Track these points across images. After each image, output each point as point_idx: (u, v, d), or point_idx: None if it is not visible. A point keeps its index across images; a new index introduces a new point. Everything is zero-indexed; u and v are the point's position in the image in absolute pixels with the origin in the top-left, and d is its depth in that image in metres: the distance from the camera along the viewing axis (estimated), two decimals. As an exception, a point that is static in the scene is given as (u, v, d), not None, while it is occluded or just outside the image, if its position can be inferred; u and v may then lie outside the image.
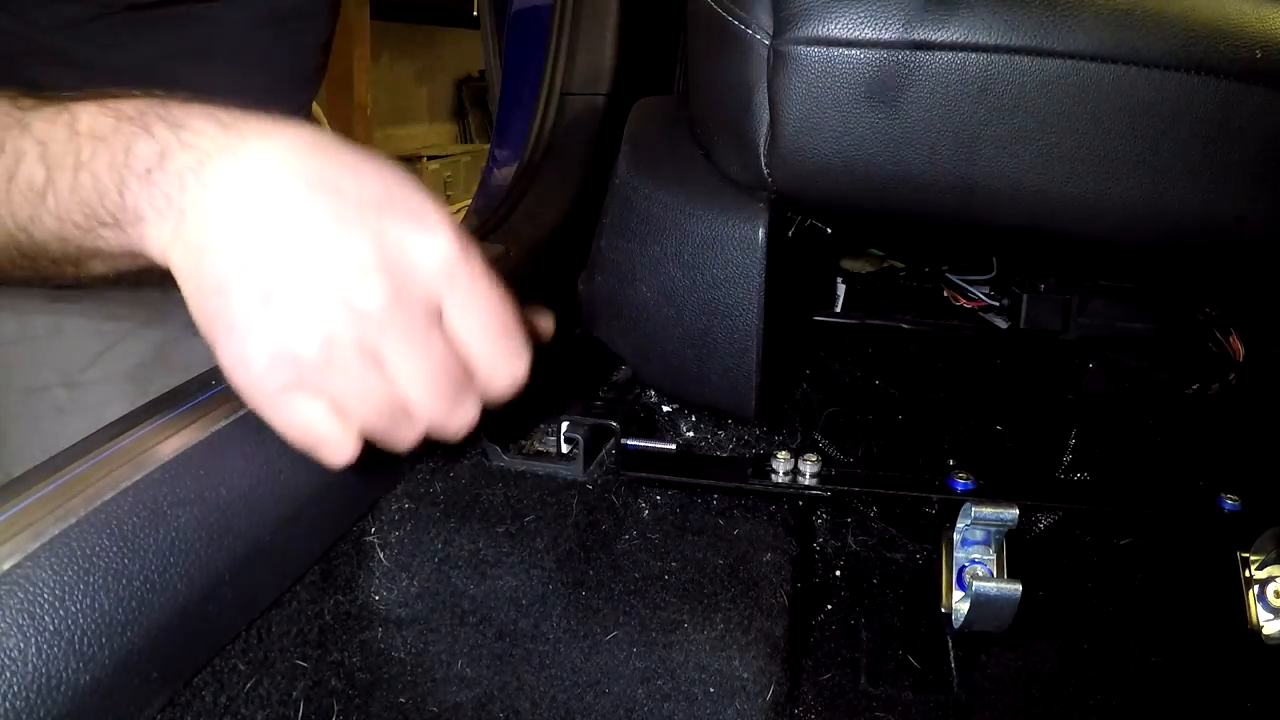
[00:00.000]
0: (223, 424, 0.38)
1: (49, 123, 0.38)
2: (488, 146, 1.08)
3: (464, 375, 0.39)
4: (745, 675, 0.45)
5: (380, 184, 0.38)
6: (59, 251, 0.39)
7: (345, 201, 0.37)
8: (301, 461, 0.39)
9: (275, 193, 0.36)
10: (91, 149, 0.37)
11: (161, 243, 0.37)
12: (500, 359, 0.40)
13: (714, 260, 0.50)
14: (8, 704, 0.27)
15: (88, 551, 0.31)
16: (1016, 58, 0.41)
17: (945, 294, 0.74)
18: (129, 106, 0.38)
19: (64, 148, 0.37)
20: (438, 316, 0.38)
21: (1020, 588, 0.45)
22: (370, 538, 0.48)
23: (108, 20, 0.64)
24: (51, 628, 0.29)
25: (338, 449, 0.38)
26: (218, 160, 0.36)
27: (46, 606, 0.29)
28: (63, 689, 0.29)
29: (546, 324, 0.49)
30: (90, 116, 0.37)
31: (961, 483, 0.50)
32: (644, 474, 0.53)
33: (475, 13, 1.31)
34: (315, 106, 0.91)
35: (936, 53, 0.41)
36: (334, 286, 0.36)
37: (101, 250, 0.38)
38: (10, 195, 0.37)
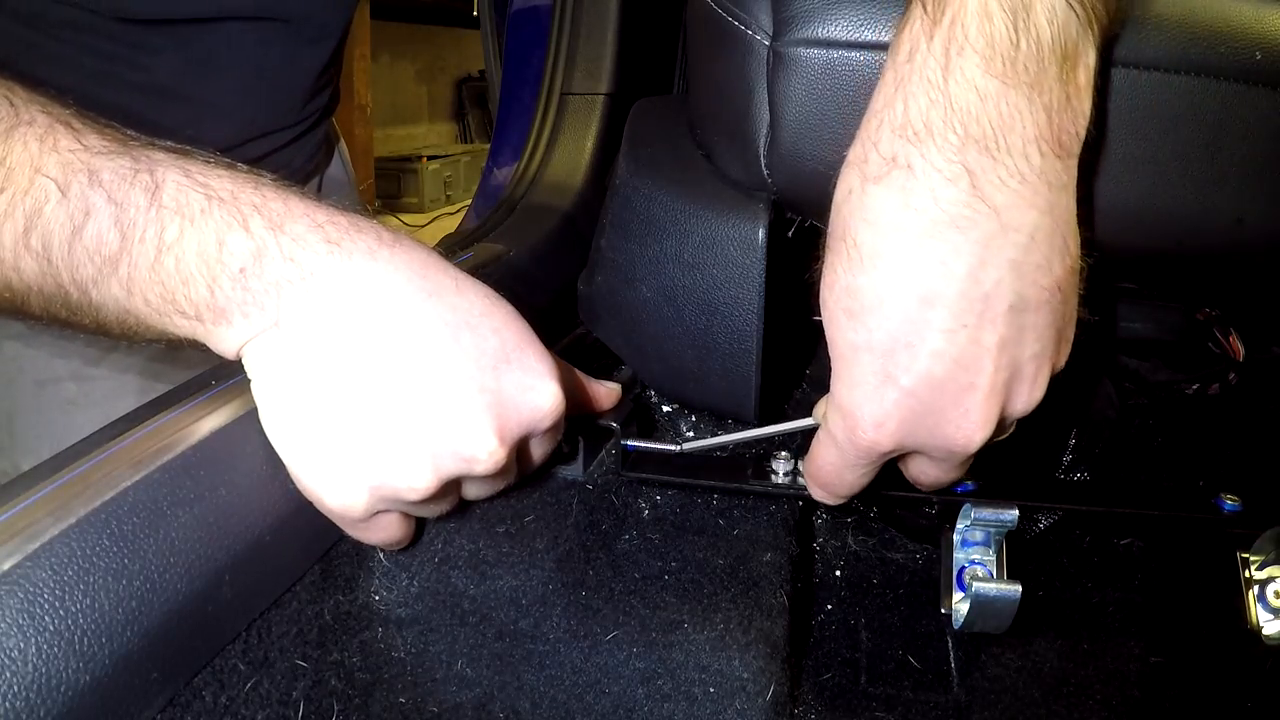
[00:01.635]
0: (223, 424, 0.38)
1: (124, 180, 0.33)
2: (488, 146, 1.08)
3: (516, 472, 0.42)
4: (745, 675, 0.45)
5: (493, 330, 0.37)
6: (114, 318, 0.35)
7: (463, 352, 0.35)
8: (301, 461, 0.39)
9: (387, 331, 0.35)
10: (178, 230, 0.33)
11: (238, 342, 0.35)
12: (548, 458, 0.44)
13: (714, 260, 0.50)
14: (8, 704, 0.27)
15: (88, 551, 0.31)
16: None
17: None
18: (219, 185, 0.34)
19: (144, 218, 0.33)
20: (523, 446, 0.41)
21: (1020, 588, 0.45)
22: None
23: (109, 31, 0.64)
24: (51, 628, 0.29)
25: (400, 544, 0.42)
26: (323, 279, 0.34)
27: (46, 606, 0.29)
28: (63, 689, 0.29)
29: (608, 399, 0.50)
30: (176, 187, 0.34)
31: (961, 483, 0.50)
32: (644, 474, 0.53)
33: (475, 13, 1.31)
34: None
35: (936, 53, 0.41)
36: (449, 440, 0.35)
37: (165, 331, 0.35)
38: (73, 250, 0.33)
